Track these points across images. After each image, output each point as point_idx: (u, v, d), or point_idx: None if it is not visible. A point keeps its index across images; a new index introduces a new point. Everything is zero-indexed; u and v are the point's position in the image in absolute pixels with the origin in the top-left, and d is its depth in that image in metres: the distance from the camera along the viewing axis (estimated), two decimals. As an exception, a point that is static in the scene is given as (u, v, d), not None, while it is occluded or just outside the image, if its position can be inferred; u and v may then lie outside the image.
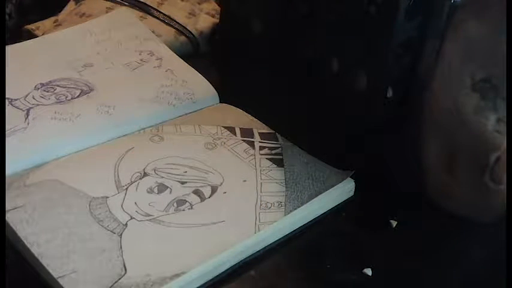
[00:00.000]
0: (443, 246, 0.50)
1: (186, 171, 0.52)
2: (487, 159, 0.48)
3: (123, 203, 0.48)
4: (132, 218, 0.47)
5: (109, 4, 0.76)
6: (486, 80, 0.47)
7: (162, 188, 0.50)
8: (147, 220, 0.47)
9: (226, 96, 0.63)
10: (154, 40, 0.69)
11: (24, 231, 0.44)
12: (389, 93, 0.54)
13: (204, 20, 0.75)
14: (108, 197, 0.48)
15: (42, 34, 0.70)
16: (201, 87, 0.63)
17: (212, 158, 0.54)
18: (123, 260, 0.44)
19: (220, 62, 0.71)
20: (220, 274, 0.45)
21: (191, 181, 0.51)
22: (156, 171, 0.51)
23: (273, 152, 0.56)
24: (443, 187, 0.52)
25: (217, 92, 0.63)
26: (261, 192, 0.51)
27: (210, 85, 0.63)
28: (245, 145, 0.56)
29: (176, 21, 0.74)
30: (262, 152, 0.56)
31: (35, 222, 0.45)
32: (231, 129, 0.58)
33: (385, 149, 0.54)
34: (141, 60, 0.65)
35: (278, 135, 0.58)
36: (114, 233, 0.46)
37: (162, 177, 0.51)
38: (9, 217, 0.45)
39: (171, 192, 0.50)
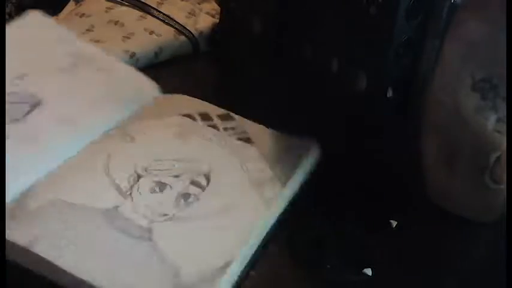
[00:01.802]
0: (443, 246, 0.50)
1: (174, 165, 0.52)
2: (487, 159, 0.48)
3: (135, 209, 0.48)
4: (151, 221, 0.47)
5: (109, 4, 0.76)
6: (486, 80, 0.47)
7: (161, 186, 0.50)
8: (166, 220, 0.47)
9: (226, 96, 0.63)
10: (79, 40, 0.65)
11: (63, 260, 0.43)
12: (389, 93, 0.54)
13: (204, 20, 0.75)
14: (118, 206, 0.48)
15: (42, 34, 0.70)
16: (140, 81, 0.61)
17: (188, 147, 0.54)
18: (169, 262, 0.44)
19: (220, 62, 0.71)
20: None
21: (183, 173, 0.51)
22: (147, 171, 0.51)
23: (238, 131, 0.56)
24: (443, 187, 0.52)
25: (216, 92, 0.63)
26: (247, 171, 0.52)
27: (147, 78, 0.61)
28: (210, 129, 0.56)
29: (176, 21, 0.74)
30: (229, 133, 0.56)
31: (69, 248, 0.44)
32: (191, 116, 0.57)
33: (385, 149, 0.54)
34: (73, 63, 0.61)
35: (232, 114, 0.58)
36: (144, 240, 0.45)
37: (156, 175, 0.51)
38: (39, 250, 0.43)
39: (171, 188, 0.50)
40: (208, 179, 0.51)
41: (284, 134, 0.56)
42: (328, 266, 0.47)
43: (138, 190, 0.49)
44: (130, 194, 0.49)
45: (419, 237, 0.51)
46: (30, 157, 0.50)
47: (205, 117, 0.58)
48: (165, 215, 0.47)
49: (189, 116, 0.57)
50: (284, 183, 0.51)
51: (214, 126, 0.57)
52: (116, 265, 0.43)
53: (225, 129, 0.56)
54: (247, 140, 0.55)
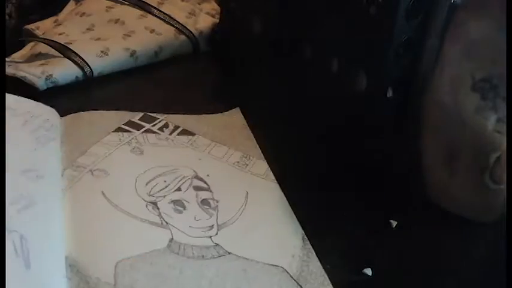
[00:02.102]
0: (443, 246, 0.50)
1: (164, 181, 0.51)
2: (487, 159, 0.48)
3: (188, 233, 0.47)
4: (208, 236, 0.47)
5: (109, 3, 0.76)
6: (486, 80, 0.47)
7: (179, 203, 0.49)
8: (219, 230, 0.47)
9: (225, 96, 0.63)
10: None
11: None
12: (389, 93, 0.54)
13: (204, 20, 0.75)
14: (172, 238, 0.46)
15: (43, 34, 0.70)
16: (42, 110, 0.56)
17: (155, 160, 0.53)
18: (270, 263, 0.45)
19: (220, 62, 0.71)
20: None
21: (180, 184, 0.51)
22: (153, 195, 0.50)
23: (172, 127, 0.57)
24: (443, 187, 0.52)
25: (216, 92, 0.63)
26: (221, 159, 0.54)
27: (45, 105, 0.57)
28: (152, 135, 0.56)
29: (176, 20, 0.74)
30: (167, 132, 0.57)
31: None
32: (122, 129, 0.56)
33: (385, 149, 0.54)
34: None
35: (151, 113, 0.58)
36: (225, 255, 0.45)
37: (164, 195, 0.50)
38: None
39: (187, 201, 0.50)
40: (202, 179, 0.51)
41: (210, 113, 0.59)
42: (328, 266, 0.47)
43: (168, 216, 0.48)
44: (167, 223, 0.48)
45: (419, 237, 0.51)
46: (37, 222, 0.45)
47: (133, 125, 0.57)
48: (211, 226, 0.48)
49: (120, 129, 0.56)
50: (258, 155, 0.54)
51: (149, 131, 0.56)
52: None
53: (160, 129, 0.57)
54: (188, 133, 0.57)
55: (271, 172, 0.54)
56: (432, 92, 0.51)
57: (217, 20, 0.74)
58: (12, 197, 0.45)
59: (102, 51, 0.66)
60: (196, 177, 0.52)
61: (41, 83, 0.62)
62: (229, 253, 0.46)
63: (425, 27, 0.52)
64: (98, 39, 0.69)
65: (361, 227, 0.51)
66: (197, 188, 0.51)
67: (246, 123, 0.59)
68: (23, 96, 0.60)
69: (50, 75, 0.62)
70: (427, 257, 0.49)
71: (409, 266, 0.48)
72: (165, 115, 0.59)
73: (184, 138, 0.56)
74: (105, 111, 0.59)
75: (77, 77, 0.64)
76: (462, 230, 0.51)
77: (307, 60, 0.59)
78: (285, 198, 0.51)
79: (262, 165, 0.54)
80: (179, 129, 0.57)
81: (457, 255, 0.50)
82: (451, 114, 0.49)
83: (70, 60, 0.65)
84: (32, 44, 0.68)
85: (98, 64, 0.66)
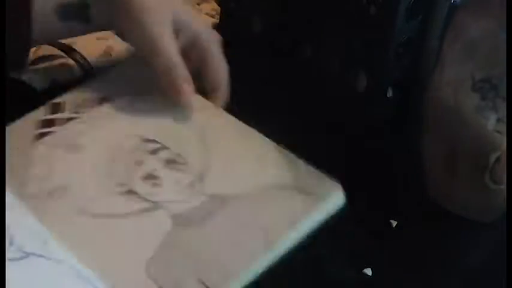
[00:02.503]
0: (443, 246, 0.50)
1: (119, 162, 0.47)
2: (487, 159, 0.48)
3: (177, 200, 0.45)
4: (200, 192, 0.45)
5: (110, 4, 0.76)
6: (486, 80, 0.47)
7: (150, 176, 0.46)
8: (205, 178, 0.46)
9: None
10: None
11: None
12: (390, 93, 0.54)
13: (203, 21, 0.75)
14: (173, 214, 0.44)
15: (43, 34, 0.70)
16: None
17: (94, 147, 0.48)
18: None
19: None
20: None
21: (136, 157, 0.47)
22: (121, 184, 0.46)
23: (82, 100, 0.51)
24: (444, 187, 0.52)
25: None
26: (151, 108, 0.50)
27: None
28: (70, 123, 0.49)
29: (177, 21, 0.74)
30: (81, 110, 0.50)
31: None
32: (42, 134, 0.49)
33: (385, 149, 0.54)
34: None
35: (52, 101, 0.52)
36: (229, 198, 0.44)
37: (132, 177, 0.46)
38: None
39: (156, 169, 0.46)
40: (151, 140, 0.48)
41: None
42: (328, 266, 0.47)
43: (151, 195, 0.46)
44: (157, 202, 0.45)
45: (419, 237, 0.51)
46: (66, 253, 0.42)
47: (46, 123, 0.50)
48: (193, 181, 0.45)
49: (38, 136, 0.49)
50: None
51: (65, 120, 0.50)
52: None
53: (75, 111, 0.50)
54: (103, 100, 0.51)
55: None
56: (432, 92, 0.51)
57: (217, 20, 0.74)
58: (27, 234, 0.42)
59: (105, 51, 0.67)
60: (144, 140, 0.48)
61: (42, 84, 0.62)
62: (229, 197, 0.44)
63: (425, 27, 0.52)
64: (99, 38, 0.69)
65: (361, 227, 0.51)
66: (153, 152, 0.47)
67: None
68: (24, 97, 0.60)
69: (52, 75, 0.63)
70: (427, 257, 0.49)
71: (409, 266, 0.48)
72: (62, 96, 0.51)
73: (103, 108, 0.50)
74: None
75: (79, 77, 0.64)
76: (462, 230, 0.51)
77: (307, 60, 0.59)
78: (241, 122, 0.49)
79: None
80: (91, 101, 0.51)
81: (457, 255, 0.50)
82: (451, 114, 0.49)
83: (73, 60, 0.65)
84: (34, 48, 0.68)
85: (101, 64, 0.66)
